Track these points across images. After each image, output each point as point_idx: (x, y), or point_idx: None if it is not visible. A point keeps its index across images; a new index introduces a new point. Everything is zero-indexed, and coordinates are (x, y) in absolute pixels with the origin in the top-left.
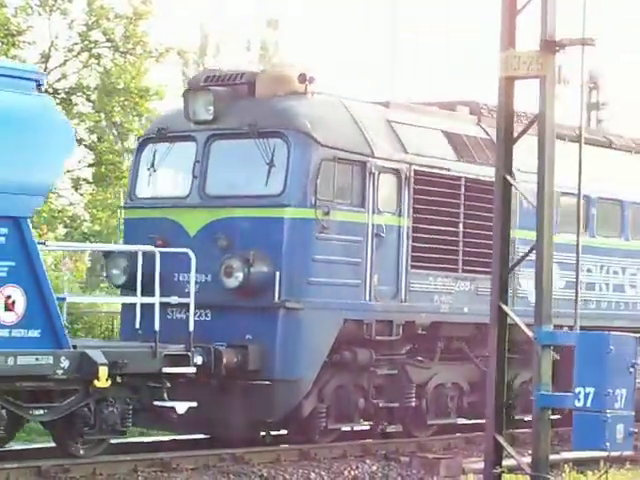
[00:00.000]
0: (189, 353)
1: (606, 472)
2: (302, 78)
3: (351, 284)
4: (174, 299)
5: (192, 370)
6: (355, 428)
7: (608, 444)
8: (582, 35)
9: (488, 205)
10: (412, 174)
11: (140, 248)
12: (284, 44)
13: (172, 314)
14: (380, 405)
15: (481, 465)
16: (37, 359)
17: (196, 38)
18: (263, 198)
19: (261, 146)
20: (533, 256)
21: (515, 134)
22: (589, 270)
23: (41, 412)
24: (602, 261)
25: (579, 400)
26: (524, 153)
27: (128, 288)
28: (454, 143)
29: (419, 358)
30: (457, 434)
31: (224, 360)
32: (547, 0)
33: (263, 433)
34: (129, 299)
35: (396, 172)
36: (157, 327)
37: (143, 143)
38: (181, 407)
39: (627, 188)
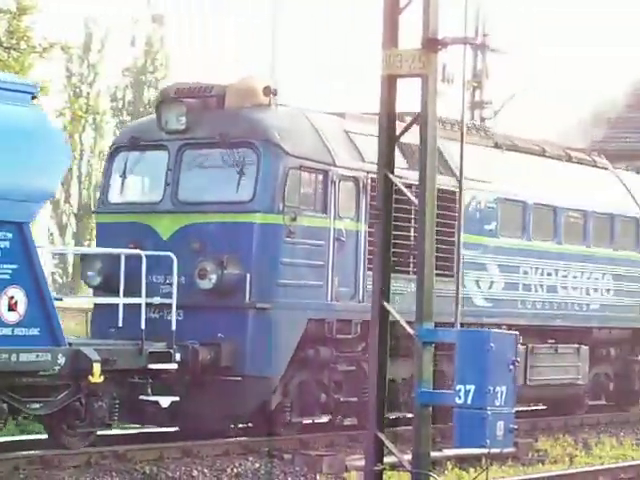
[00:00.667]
0: (171, 350)
1: (487, 469)
2: (267, 91)
3: (315, 285)
4: (157, 299)
5: (174, 366)
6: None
7: (488, 441)
8: (464, 33)
9: (438, 211)
10: (369, 182)
11: (124, 251)
12: (169, 40)
13: (146, 314)
14: (340, 399)
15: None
16: (37, 356)
17: (80, 33)
18: (234, 204)
19: (232, 155)
20: (479, 259)
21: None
22: (525, 272)
23: (37, 406)
24: (537, 263)
25: (460, 397)
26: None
27: (103, 289)
28: (404, 152)
29: None
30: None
31: (200, 357)
32: None
33: (232, 425)
34: (116, 300)
35: (355, 180)
36: (143, 326)
37: (115, 151)
38: (164, 401)
39: (560, 195)
